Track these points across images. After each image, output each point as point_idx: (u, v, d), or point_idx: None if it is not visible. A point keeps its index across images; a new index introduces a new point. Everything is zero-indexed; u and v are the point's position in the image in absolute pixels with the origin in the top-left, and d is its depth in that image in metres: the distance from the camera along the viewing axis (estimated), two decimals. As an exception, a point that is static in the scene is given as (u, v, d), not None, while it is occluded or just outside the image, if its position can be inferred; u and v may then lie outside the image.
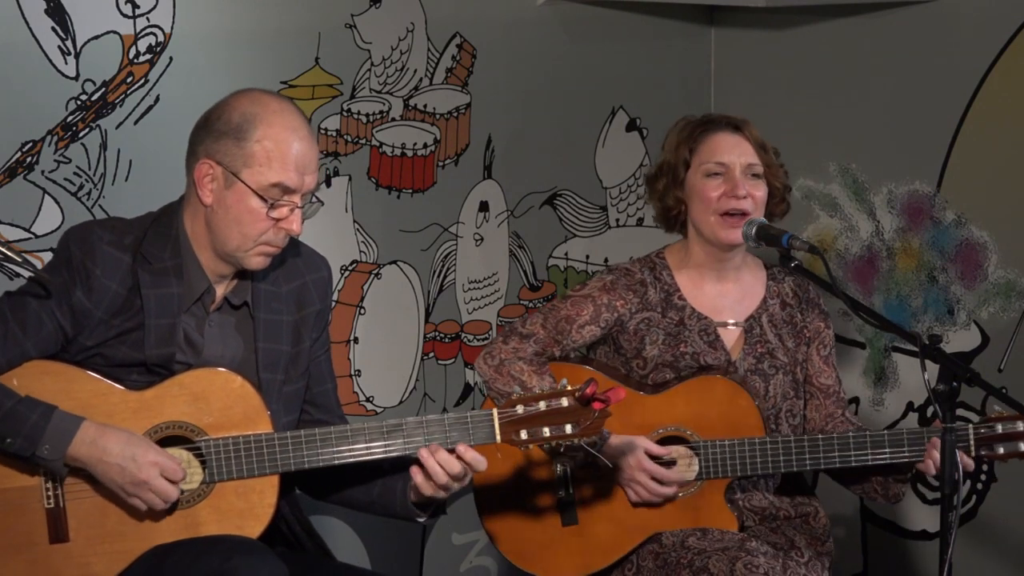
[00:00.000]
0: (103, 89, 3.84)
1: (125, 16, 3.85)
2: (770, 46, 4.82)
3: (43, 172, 3.78)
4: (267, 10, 4.08)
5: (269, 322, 3.26)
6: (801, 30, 4.75)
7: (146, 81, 3.90)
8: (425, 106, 4.41)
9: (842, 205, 4.68)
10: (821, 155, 4.69)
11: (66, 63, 3.78)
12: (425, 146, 4.42)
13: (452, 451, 3.19)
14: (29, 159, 3.76)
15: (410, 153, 4.40)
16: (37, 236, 3.78)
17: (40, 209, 3.79)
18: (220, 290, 3.25)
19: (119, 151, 3.88)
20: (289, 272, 3.31)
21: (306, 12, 4.15)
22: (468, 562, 4.65)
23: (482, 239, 4.57)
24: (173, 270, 3.18)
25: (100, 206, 3.86)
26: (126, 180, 3.89)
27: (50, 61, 3.76)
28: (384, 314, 4.40)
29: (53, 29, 3.75)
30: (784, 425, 3.77)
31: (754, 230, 3.63)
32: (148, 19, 3.88)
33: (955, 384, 3.11)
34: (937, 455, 3.53)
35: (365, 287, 4.37)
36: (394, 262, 4.41)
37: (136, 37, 3.87)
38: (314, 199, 3.22)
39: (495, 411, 3.22)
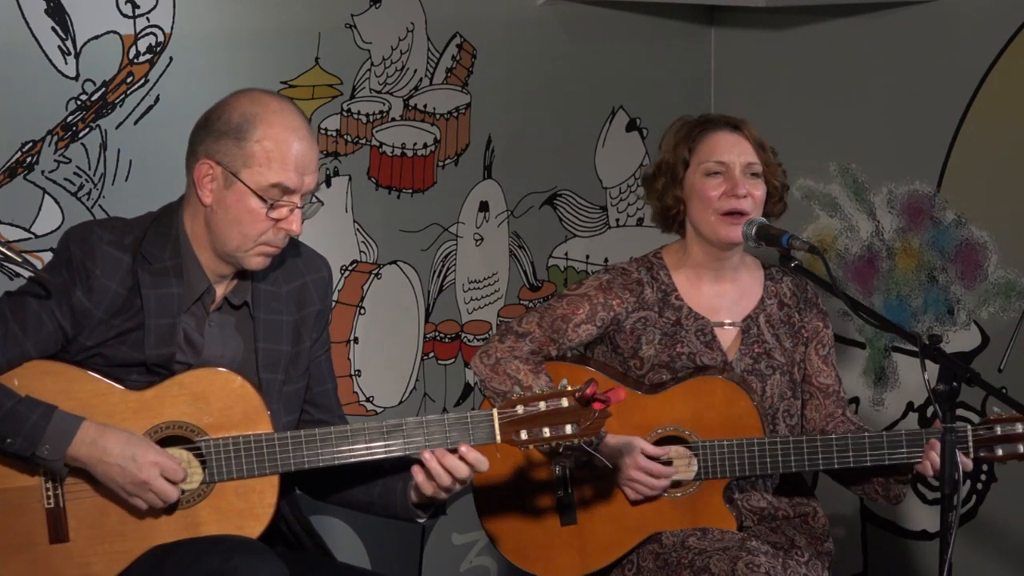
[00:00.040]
0: (103, 89, 3.84)
1: (125, 16, 3.85)
2: (770, 46, 4.82)
3: (43, 172, 3.78)
4: (267, 10, 4.08)
5: (269, 322, 3.26)
6: (801, 30, 4.75)
7: (146, 81, 3.90)
8: (425, 106, 4.41)
9: (842, 205, 4.68)
10: (821, 155, 4.69)
11: (66, 63, 3.78)
12: (425, 146, 4.42)
13: (454, 451, 3.19)
14: (29, 159, 3.76)
15: (410, 153, 4.40)
16: (37, 236, 3.78)
17: (40, 209, 3.79)
18: (220, 290, 3.25)
19: (119, 151, 3.88)
20: (289, 272, 3.31)
21: (306, 12, 4.15)
22: (468, 562, 4.65)
23: (482, 239, 4.57)
24: (173, 270, 3.18)
25: (100, 206, 3.86)
26: (126, 180, 3.89)
27: (50, 61, 3.76)
28: (384, 314, 4.40)
29: (53, 29, 3.75)
30: (781, 425, 3.77)
31: (754, 230, 3.63)
32: (148, 19, 3.88)
33: (955, 384, 3.11)
34: (935, 456, 3.53)
35: (365, 287, 4.37)
36: (394, 262, 4.41)
37: (136, 37, 3.87)
38: (314, 199, 3.22)
39: (495, 411, 3.22)
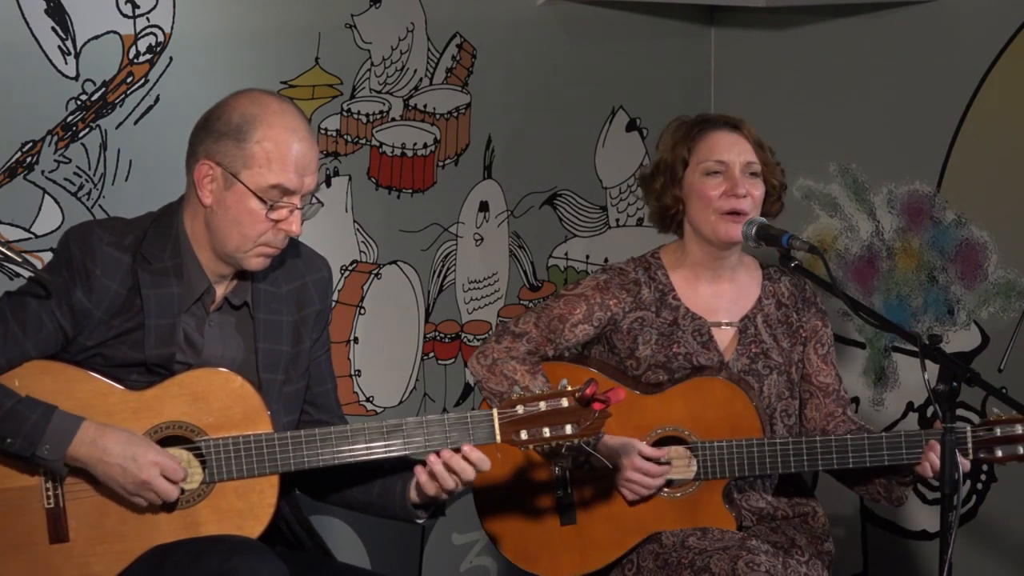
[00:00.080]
0: (103, 89, 3.84)
1: (125, 16, 3.85)
2: (770, 46, 4.82)
3: (43, 172, 3.78)
4: (267, 10, 4.08)
5: (269, 322, 3.26)
6: (801, 30, 4.75)
7: (146, 81, 3.90)
8: (425, 106, 4.41)
9: (842, 205, 4.68)
10: (821, 155, 4.69)
11: (66, 63, 3.78)
12: (425, 146, 4.42)
13: (456, 451, 3.19)
14: (29, 159, 3.76)
15: (410, 153, 4.40)
16: (37, 236, 3.78)
17: (40, 209, 3.79)
18: (220, 290, 3.25)
19: (119, 151, 3.88)
20: (289, 272, 3.31)
21: (306, 12, 4.15)
22: (468, 562, 4.65)
23: (482, 239, 4.57)
24: (173, 270, 3.19)
25: (100, 206, 3.86)
26: (126, 180, 3.89)
27: (50, 61, 3.76)
28: (384, 314, 4.40)
29: (53, 29, 3.75)
30: (779, 425, 3.77)
31: (754, 230, 3.63)
32: (148, 19, 3.88)
33: (955, 384, 3.11)
34: (934, 457, 3.53)
35: (365, 287, 4.37)
36: (394, 262, 4.41)
37: (136, 37, 3.87)
38: (314, 200, 3.22)
39: (495, 411, 3.22)
